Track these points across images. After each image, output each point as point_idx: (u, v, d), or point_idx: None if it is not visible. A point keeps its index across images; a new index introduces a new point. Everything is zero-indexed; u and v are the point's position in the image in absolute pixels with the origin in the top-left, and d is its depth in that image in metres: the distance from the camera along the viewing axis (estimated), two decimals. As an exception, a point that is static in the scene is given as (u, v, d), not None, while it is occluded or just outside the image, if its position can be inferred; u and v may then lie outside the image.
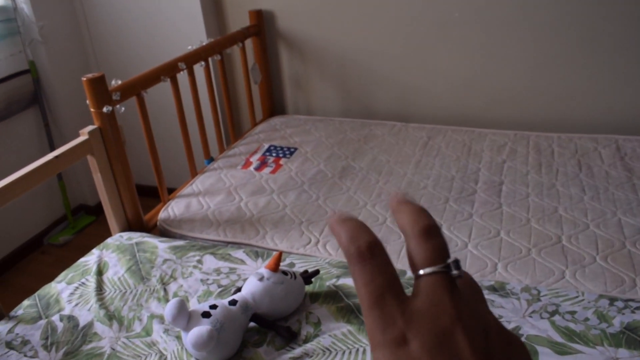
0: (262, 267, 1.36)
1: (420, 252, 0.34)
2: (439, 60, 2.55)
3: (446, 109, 2.64)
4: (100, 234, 2.94)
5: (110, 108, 1.82)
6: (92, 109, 1.82)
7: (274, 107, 2.94)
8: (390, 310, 0.32)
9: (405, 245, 0.34)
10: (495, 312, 1.32)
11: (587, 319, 1.29)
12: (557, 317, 1.30)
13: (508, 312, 1.32)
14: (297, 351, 1.24)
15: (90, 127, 1.82)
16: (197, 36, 2.74)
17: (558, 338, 1.23)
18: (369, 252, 0.33)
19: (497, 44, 2.43)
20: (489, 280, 1.45)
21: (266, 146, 2.46)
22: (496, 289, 1.41)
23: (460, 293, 0.33)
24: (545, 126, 2.50)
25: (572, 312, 1.31)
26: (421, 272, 0.33)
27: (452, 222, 1.81)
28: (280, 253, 1.36)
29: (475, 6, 2.38)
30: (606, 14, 2.23)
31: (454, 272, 0.34)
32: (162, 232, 1.97)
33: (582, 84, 2.39)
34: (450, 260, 0.34)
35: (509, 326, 1.27)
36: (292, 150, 2.41)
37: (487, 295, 1.38)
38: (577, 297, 1.38)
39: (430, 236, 0.34)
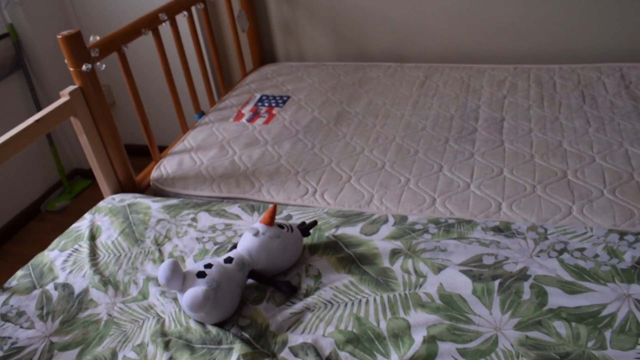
0: (257, 222, 1.31)
1: None
2: (432, -6, 2.43)
3: (442, 46, 2.53)
4: (97, 197, 2.89)
5: (89, 66, 1.74)
6: (70, 68, 1.73)
7: (264, 55, 2.83)
8: None
9: None
10: (501, 253, 1.27)
11: (597, 256, 1.24)
12: (565, 255, 1.25)
13: (515, 253, 1.27)
14: (298, 306, 1.20)
15: (71, 88, 1.73)
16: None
17: (567, 277, 1.19)
18: None
19: (492, -26, 2.30)
20: (494, 221, 1.40)
21: (258, 96, 2.38)
22: (501, 229, 1.36)
23: None
24: (546, 58, 2.40)
25: (581, 249, 1.26)
26: None
27: (453, 163, 1.75)
28: (275, 206, 1.30)
29: None
30: None
31: None
32: (155, 191, 1.92)
33: (583, 11, 2.27)
34: None
35: (516, 267, 1.22)
36: (284, 98, 2.32)
37: (492, 237, 1.33)
38: (585, 233, 1.33)
39: None
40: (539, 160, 1.71)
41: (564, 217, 1.47)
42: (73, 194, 3.02)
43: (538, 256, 1.26)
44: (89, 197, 3.02)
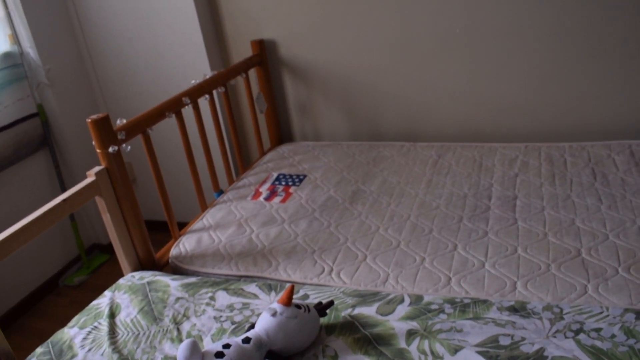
0: (274, 302, 1.33)
1: None
2: (443, 76, 2.53)
3: (454, 125, 2.61)
4: (114, 272, 2.93)
5: (115, 148, 1.82)
6: (98, 150, 1.82)
7: (282, 135, 2.93)
8: None
9: None
10: (518, 334, 1.28)
11: (613, 336, 1.24)
12: (582, 336, 1.25)
13: (531, 334, 1.27)
14: (315, 387, 1.21)
15: (97, 168, 1.81)
16: (201, 69, 2.75)
17: (585, 358, 1.18)
18: None
19: (501, 57, 2.40)
20: (509, 301, 1.41)
21: (275, 175, 2.44)
22: (517, 309, 1.37)
23: None
24: (556, 136, 2.46)
25: (598, 330, 1.26)
26: None
27: (467, 242, 1.78)
28: (292, 286, 1.33)
29: (476, 21, 2.36)
30: (610, 19, 2.20)
31: None
32: (174, 269, 1.95)
33: (590, 90, 2.35)
34: None
35: (532, 348, 1.23)
36: (301, 177, 2.39)
37: (508, 317, 1.34)
38: (601, 312, 1.33)
39: None
40: (552, 239, 1.73)
41: (580, 296, 1.47)
42: (91, 269, 3.06)
43: (554, 337, 1.26)
44: (106, 272, 3.05)
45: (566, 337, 1.25)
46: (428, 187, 2.17)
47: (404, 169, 2.35)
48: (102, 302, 1.66)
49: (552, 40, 2.30)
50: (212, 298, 1.59)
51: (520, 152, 2.35)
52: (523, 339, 1.26)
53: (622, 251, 1.62)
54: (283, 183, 2.35)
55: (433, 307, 1.41)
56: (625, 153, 2.20)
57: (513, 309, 1.37)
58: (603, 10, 2.19)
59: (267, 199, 2.24)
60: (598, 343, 1.22)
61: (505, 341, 1.26)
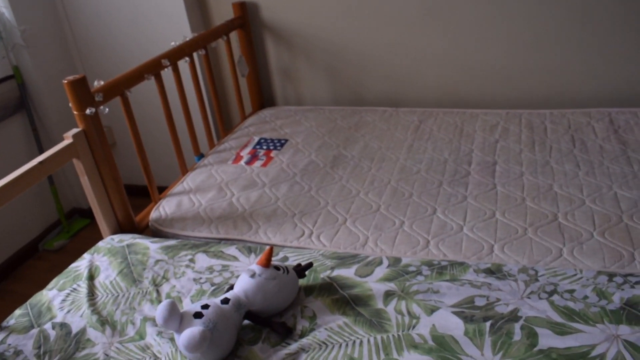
0: (253, 264, 1.34)
1: None
2: (427, 42, 2.51)
3: (437, 91, 2.61)
4: (95, 237, 2.92)
5: (93, 110, 1.79)
6: (75, 112, 1.79)
7: (263, 99, 2.90)
8: None
9: None
10: (493, 295, 1.30)
11: (586, 297, 1.27)
12: (555, 297, 1.27)
13: (506, 295, 1.30)
14: (293, 347, 1.22)
15: (74, 130, 1.78)
16: (181, 32, 2.70)
17: (557, 318, 1.21)
18: None
19: (484, 24, 2.39)
20: (486, 263, 1.43)
21: (256, 139, 2.43)
22: (493, 271, 1.39)
23: None
24: (538, 103, 2.47)
25: (571, 291, 1.29)
26: None
27: (446, 206, 1.79)
28: (271, 248, 1.33)
29: (460, -15, 2.34)
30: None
31: None
32: (154, 232, 1.95)
33: (573, 58, 2.35)
34: None
35: (507, 309, 1.25)
36: (282, 142, 2.38)
37: (484, 279, 1.36)
38: (575, 275, 1.35)
39: None
40: (530, 203, 1.75)
41: (555, 259, 1.50)
42: (71, 233, 3.04)
43: (529, 298, 1.28)
44: (86, 237, 3.04)
45: (540, 298, 1.28)
46: (409, 152, 2.17)
47: (386, 134, 2.35)
48: (81, 264, 1.66)
49: (536, 7, 2.29)
50: (191, 260, 1.59)
51: (502, 118, 2.35)
52: (498, 299, 1.28)
53: (597, 216, 1.64)
54: (264, 147, 2.34)
55: (411, 269, 1.43)
56: (605, 120, 2.22)
57: (489, 271, 1.39)
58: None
59: (248, 162, 2.23)
60: (570, 304, 1.25)
61: (480, 302, 1.28)
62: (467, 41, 2.45)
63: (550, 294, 1.29)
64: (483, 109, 2.53)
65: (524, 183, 1.87)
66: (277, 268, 1.31)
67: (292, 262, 1.53)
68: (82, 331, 1.39)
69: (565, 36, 2.31)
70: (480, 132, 2.26)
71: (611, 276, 1.33)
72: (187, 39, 2.33)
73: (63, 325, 1.41)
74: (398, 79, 2.63)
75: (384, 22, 2.52)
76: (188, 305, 1.39)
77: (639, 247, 1.49)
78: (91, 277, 1.58)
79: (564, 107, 2.44)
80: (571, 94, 2.42)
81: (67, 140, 1.76)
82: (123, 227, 1.95)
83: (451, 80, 2.56)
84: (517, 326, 1.19)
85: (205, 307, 1.22)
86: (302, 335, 1.26)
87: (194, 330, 1.15)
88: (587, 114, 2.29)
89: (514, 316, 1.22)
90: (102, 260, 1.66)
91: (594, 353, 1.11)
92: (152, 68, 2.08)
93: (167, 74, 2.57)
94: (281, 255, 1.58)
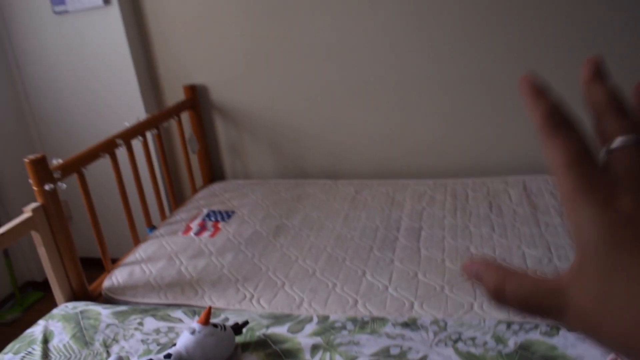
0: (194, 322, 1.50)
1: (618, 124, 0.34)
2: (360, 120, 2.78)
3: (372, 163, 2.86)
4: (48, 309, 2.96)
5: (52, 186, 1.95)
6: (34, 187, 1.94)
7: (213, 173, 3.10)
8: (592, 171, 0.32)
9: (594, 123, 0.35)
10: (406, 344, 1.48)
11: (485, 343, 1.46)
12: (460, 344, 1.47)
13: (417, 344, 1.48)
14: (230, 396, 1.37)
15: (33, 205, 1.94)
16: (136, 111, 2.91)
17: (460, 362, 1.40)
18: (564, 123, 0.34)
19: (412, 102, 2.68)
20: (403, 317, 1.62)
21: (205, 211, 2.61)
22: (408, 324, 1.58)
23: None
24: (461, 172, 2.74)
25: (473, 338, 1.49)
26: (619, 140, 0.33)
27: (374, 269, 1.99)
28: (210, 308, 1.50)
29: (389, 71, 2.64)
30: (507, 69, 2.52)
31: None
32: (106, 300, 2.08)
33: (491, 131, 2.65)
34: None
35: (418, 355, 1.43)
36: (230, 213, 2.56)
37: (400, 331, 1.55)
38: (478, 324, 1.55)
39: (628, 113, 0.34)
40: (448, 264, 1.96)
41: (467, 312, 1.70)
42: (24, 306, 3.10)
43: (437, 345, 1.47)
44: (40, 310, 3.08)
45: (446, 346, 1.47)
46: (345, 221, 2.38)
47: (325, 205, 2.56)
48: (36, 330, 1.78)
49: (457, 89, 2.60)
50: (140, 323, 1.73)
51: (429, 187, 2.60)
52: (410, 348, 1.47)
53: (505, 273, 1.86)
54: (212, 219, 2.52)
55: (337, 324, 1.61)
56: (519, 187, 2.49)
57: (405, 324, 1.58)
58: (500, 64, 2.51)
59: (197, 233, 2.40)
60: (472, 349, 1.44)
61: (395, 351, 1.46)
62: (397, 118, 2.73)
63: (456, 341, 1.48)
64: (413, 179, 2.79)
65: (444, 246, 2.09)
66: (215, 325, 1.47)
67: (232, 321, 1.69)
68: (36, 392, 1.50)
69: (483, 111, 2.62)
70: (409, 201, 2.49)
71: (509, 324, 1.54)
72: (141, 119, 2.53)
73: (17, 387, 1.52)
74: (336, 153, 2.88)
75: (321, 102, 2.80)
76: (135, 364, 1.53)
77: (536, 299, 1.71)
78: (45, 341, 1.70)
79: (484, 175, 2.71)
80: (491, 163, 2.70)
81: (27, 213, 1.91)
82: (77, 295, 2.07)
83: (384, 153, 2.82)
84: (424, 370, 1.38)
85: (150, 362, 1.36)
86: (238, 386, 1.41)
87: (138, 382, 1.29)
88: (505, 181, 2.56)
89: (422, 361, 1.41)
90: (56, 325, 1.78)
91: (486, 389, 1.29)
92: (107, 147, 2.27)
93: (121, 151, 2.75)
94: (223, 316, 1.73)
